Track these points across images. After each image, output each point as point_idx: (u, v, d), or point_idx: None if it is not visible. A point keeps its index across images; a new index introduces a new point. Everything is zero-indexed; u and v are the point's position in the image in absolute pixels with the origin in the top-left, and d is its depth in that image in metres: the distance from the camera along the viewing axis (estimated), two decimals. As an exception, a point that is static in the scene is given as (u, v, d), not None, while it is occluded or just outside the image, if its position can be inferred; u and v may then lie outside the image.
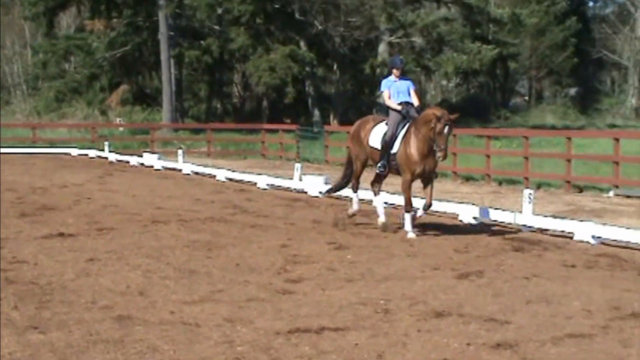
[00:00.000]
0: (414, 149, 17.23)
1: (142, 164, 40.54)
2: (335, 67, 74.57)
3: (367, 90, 74.80)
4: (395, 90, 18.27)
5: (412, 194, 18.13)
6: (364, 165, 19.44)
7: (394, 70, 18.59)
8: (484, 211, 20.37)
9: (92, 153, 47.08)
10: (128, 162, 42.16)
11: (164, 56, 66.34)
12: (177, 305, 11.05)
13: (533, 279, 13.30)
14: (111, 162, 42.94)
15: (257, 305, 11.14)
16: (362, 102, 74.42)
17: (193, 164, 37.93)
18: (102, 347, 9.07)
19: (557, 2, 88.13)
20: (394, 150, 17.76)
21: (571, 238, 17.49)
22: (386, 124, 18.39)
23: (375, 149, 18.33)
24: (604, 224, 17.83)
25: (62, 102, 71.59)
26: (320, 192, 24.89)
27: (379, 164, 18.22)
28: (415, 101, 18.35)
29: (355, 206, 19.57)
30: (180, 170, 37.04)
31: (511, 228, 19.14)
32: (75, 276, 13.06)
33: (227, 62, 72.49)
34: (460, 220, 20.44)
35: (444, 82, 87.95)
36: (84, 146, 50.35)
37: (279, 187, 29.19)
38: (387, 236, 18.00)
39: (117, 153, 45.11)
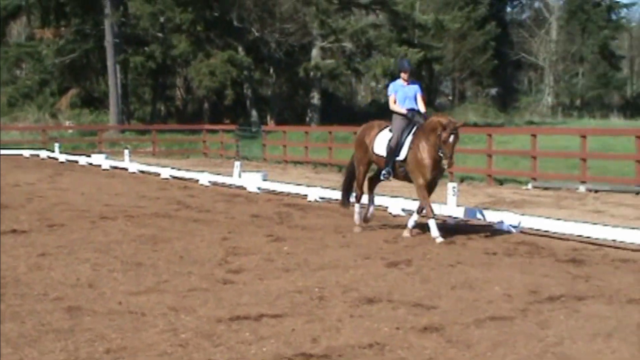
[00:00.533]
0: (425, 155, 15.67)
1: (90, 164, 40.04)
2: (271, 70, 75.08)
3: (302, 91, 75.43)
4: (402, 96, 16.53)
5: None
6: (367, 172, 17.62)
7: (402, 74, 16.70)
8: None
9: (43, 154, 46.67)
10: (77, 162, 41.88)
11: (110, 62, 66.49)
12: (124, 296, 10.91)
13: (457, 266, 13.35)
14: (61, 162, 42.63)
15: (199, 295, 11.04)
16: (296, 103, 75.11)
17: (139, 163, 37.94)
18: (53, 336, 8.92)
19: (478, 8, 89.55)
20: (401, 156, 16.15)
21: (492, 226, 17.57)
22: (390, 130, 16.77)
23: (381, 156, 16.67)
24: (522, 214, 17.94)
25: (14, 106, 71.46)
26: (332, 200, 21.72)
27: (383, 171, 16.59)
28: (421, 108, 16.66)
29: (356, 217, 17.64)
30: (126, 169, 36.96)
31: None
32: (28, 270, 12.86)
33: (169, 67, 72.41)
34: (390, 213, 20.42)
35: (373, 84, 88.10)
36: (35, 148, 49.93)
37: (219, 184, 29.11)
38: (321, 228, 17.87)
39: (66, 154, 44.76)
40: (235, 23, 70.74)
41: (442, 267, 13.25)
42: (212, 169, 34.35)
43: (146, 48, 68.96)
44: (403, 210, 20.20)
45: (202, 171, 32.12)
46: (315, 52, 71.42)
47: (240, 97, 72.38)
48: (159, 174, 33.65)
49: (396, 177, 16.79)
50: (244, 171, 29.14)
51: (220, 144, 51.16)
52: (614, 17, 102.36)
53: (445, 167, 15.80)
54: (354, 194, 18.03)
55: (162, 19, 68.06)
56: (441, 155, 15.46)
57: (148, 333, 9.10)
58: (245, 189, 27.05)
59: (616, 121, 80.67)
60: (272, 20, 73.81)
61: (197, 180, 30.30)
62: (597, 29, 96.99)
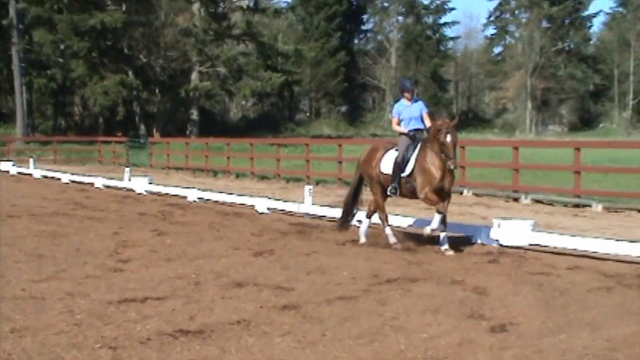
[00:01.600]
0: (430, 163, 13.40)
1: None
2: (157, 91, 75.95)
3: (183, 109, 76.92)
4: (407, 116, 14.19)
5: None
6: (383, 193, 14.70)
7: (405, 94, 14.34)
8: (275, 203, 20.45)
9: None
10: None
11: (17, 83, 66.66)
12: (27, 284, 10.68)
13: (312, 254, 13.41)
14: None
15: (93, 282, 10.89)
16: (178, 119, 76.81)
17: (42, 169, 37.58)
18: (-36, 319, 8.70)
19: (330, 40, 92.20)
20: (407, 172, 13.93)
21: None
22: (396, 149, 14.52)
23: (387, 175, 14.37)
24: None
25: None
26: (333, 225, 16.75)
27: (390, 188, 14.28)
28: (428, 124, 14.09)
29: (392, 239, 14.55)
30: (31, 175, 36.66)
31: (299, 216, 19.27)
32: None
33: (69, 87, 72.49)
34: (256, 211, 20.46)
35: (244, 102, 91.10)
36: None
37: (112, 187, 28.82)
38: (198, 224, 17.85)
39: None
40: (125, 50, 71.76)
41: (299, 255, 13.28)
42: (106, 174, 33.82)
43: (48, 71, 69.38)
44: (268, 209, 20.29)
45: (97, 176, 31.75)
46: (194, 76, 73.87)
47: (130, 113, 74.17)
48: (59, 179, 33.27)
49: (402, 194, 14.39)
50: (133, 176, 29.07)
51: (112, 153, 51.05)
52: (442, 48, 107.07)
53: (452, 167, 13.37)
54: (356, 213, 15.94)
55: (62, 46, 68.39)
56: (444, 158, 13.28)
57: (47, 315, 8.94)
58: (134, 191, 26.88)
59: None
60: (157, 48, 75.76)
61: (93, 184, 30.05)
62: (428, 58, 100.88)
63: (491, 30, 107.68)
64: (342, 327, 8.50)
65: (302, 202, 19.58)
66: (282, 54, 79.67)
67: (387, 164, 14.36)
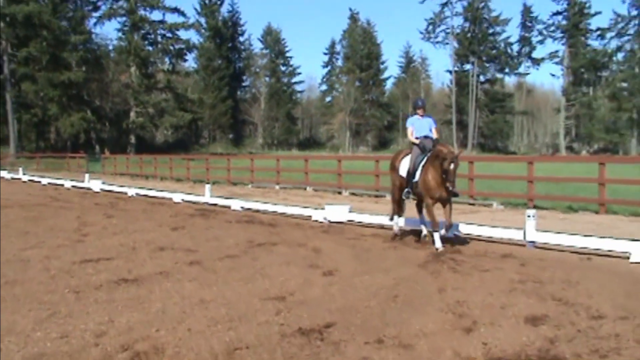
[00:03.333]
0: (430, 178, 10.99)
1: None
2: (107, 124, 74.56)
3: (124, 135, 74.90)
4: (419, 127, 11.88)
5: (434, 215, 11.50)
6: (401, 190, 11.87)
7: (418, 110, 12.01)
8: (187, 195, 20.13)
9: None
10: None
11: (10, 117, 63.76)
12: (17, 251, 10.27)
13: (210, 229, 13.25)
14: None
15: (63, 249, 10.49)
16: (122, 142, 74.09)
17: (28, 175, 36.09)
18: (-27, 275, 8.27)
19: (222, 92, 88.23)
20: (416, 178, 11.56)
21: (230, 208, 17.60)
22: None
23: (404, 177, 11.92)
24: (247, 200, 18.07)
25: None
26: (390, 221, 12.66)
27: (405, 190, 11.74)
28: (434, 136, 11.91)
29: (396, 228, 12.20)
30: (21, 179, 34.98)
31: (201, 204, 19.05)
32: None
33: (47, 120, 69.23)
34: (174, 201, 20.14)
35: (165, 131, 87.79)
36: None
37: (77, 187, 27.63)
38: (135, 210, 17.30)
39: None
40: (85, 97, 70.65)
41: (202, 229, 13.14)
42: (73, 179, 32.35)
43: (32, 110, 66.11)
44: (182, 200, 20.00)
45: (66, 179, 30.38)
46: (132, 114, 72.99)
47: (89, 138, 71.77)
48: (40, 182, 31.73)
49: (416, 196, 11.86)
50: (91, 179, 28.15)
51: (77, 164, 49.06)
52: (293, 97, 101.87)
53: (450, 188, 10.69)
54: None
55: (41, 94, 65.64)
56: (444, 178, 10.69)
57: (31, 271, 8.60)
58: (91, 189, 25.83)
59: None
60: (107, 95, 75.38)
61: (63, 185, 28.74)
62: (284, 104, 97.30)
63: (324, 87, 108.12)
64: (229, 275, 8.47)
65: (204, 195, 19.37)
66: (190, 100, 79.62)
67: (403, 168, 11.96)
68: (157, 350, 5.41)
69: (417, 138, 11.57)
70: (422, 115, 11.86)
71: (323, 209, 14.79)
